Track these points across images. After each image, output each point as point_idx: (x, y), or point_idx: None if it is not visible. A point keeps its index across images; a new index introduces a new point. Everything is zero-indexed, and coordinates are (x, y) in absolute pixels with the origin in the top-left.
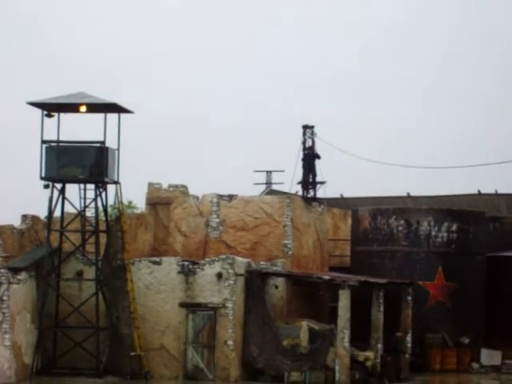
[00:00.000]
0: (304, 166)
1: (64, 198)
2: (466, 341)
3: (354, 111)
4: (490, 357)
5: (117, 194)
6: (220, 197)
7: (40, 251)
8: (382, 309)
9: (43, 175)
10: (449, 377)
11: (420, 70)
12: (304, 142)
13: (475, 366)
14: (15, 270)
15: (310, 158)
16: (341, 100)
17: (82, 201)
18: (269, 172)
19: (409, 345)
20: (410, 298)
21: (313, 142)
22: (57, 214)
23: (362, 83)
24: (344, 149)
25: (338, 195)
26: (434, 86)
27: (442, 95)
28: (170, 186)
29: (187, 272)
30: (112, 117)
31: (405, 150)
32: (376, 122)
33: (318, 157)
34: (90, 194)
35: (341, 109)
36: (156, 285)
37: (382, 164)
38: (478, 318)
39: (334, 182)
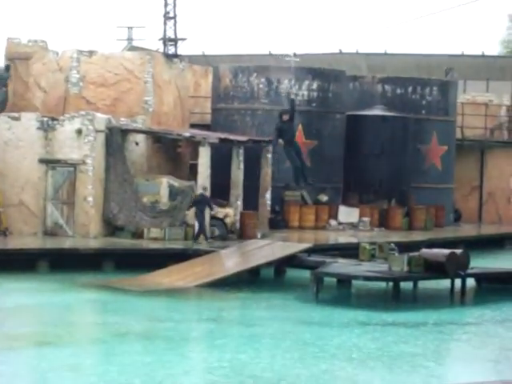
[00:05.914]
0: (165, 22)
1: None
2: (325, 198)
3: None
4: (347, 214)
5: None
6: (80, 52)
7: None
8: (241, 166)
9: None
10: (307, 233)
11: None
12: None
13: (333, 223)
14: None
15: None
16: None
17: None
18: (130, 28)
19: (268, 202)
20: (269, 155)
21: None
22: None
23: None
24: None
25: (199, 52)
26: None
27: None
28: (29, 40)
29: (46, 128)
30: None
31: None
32: None
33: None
34: None
35: None
36: (15, 141)
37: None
38: (336, 176)
39: (195, 39)
